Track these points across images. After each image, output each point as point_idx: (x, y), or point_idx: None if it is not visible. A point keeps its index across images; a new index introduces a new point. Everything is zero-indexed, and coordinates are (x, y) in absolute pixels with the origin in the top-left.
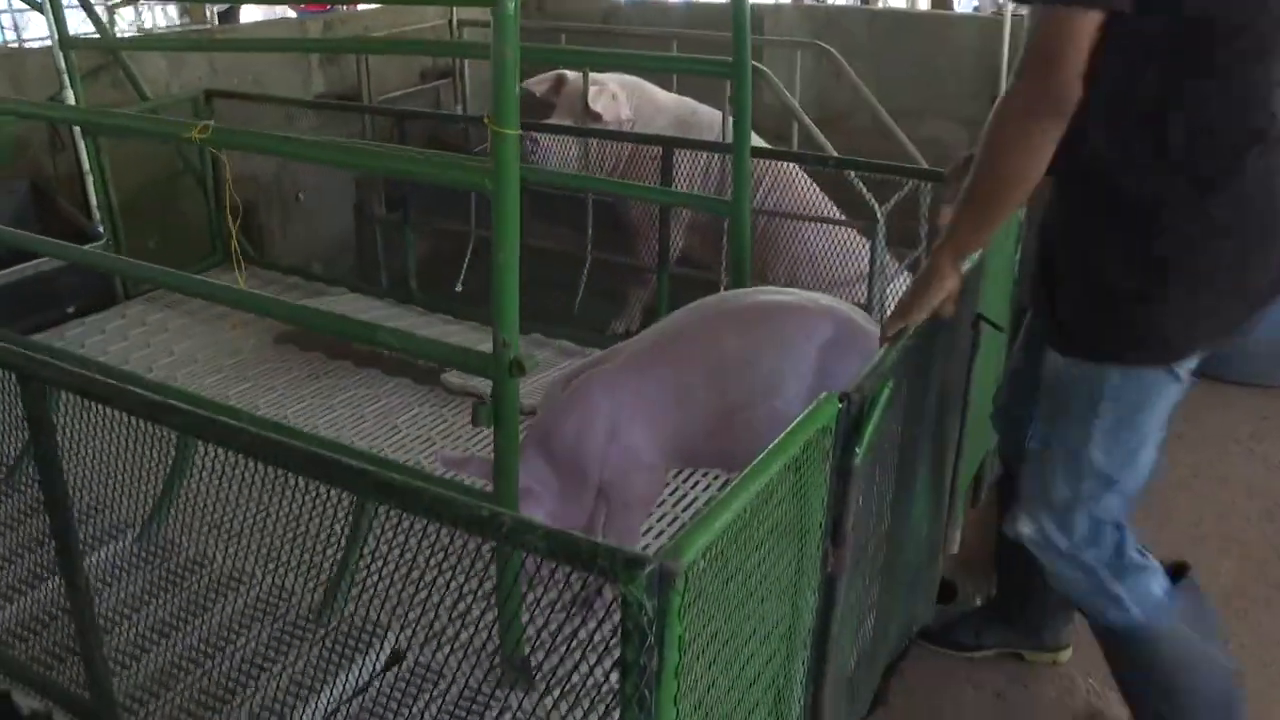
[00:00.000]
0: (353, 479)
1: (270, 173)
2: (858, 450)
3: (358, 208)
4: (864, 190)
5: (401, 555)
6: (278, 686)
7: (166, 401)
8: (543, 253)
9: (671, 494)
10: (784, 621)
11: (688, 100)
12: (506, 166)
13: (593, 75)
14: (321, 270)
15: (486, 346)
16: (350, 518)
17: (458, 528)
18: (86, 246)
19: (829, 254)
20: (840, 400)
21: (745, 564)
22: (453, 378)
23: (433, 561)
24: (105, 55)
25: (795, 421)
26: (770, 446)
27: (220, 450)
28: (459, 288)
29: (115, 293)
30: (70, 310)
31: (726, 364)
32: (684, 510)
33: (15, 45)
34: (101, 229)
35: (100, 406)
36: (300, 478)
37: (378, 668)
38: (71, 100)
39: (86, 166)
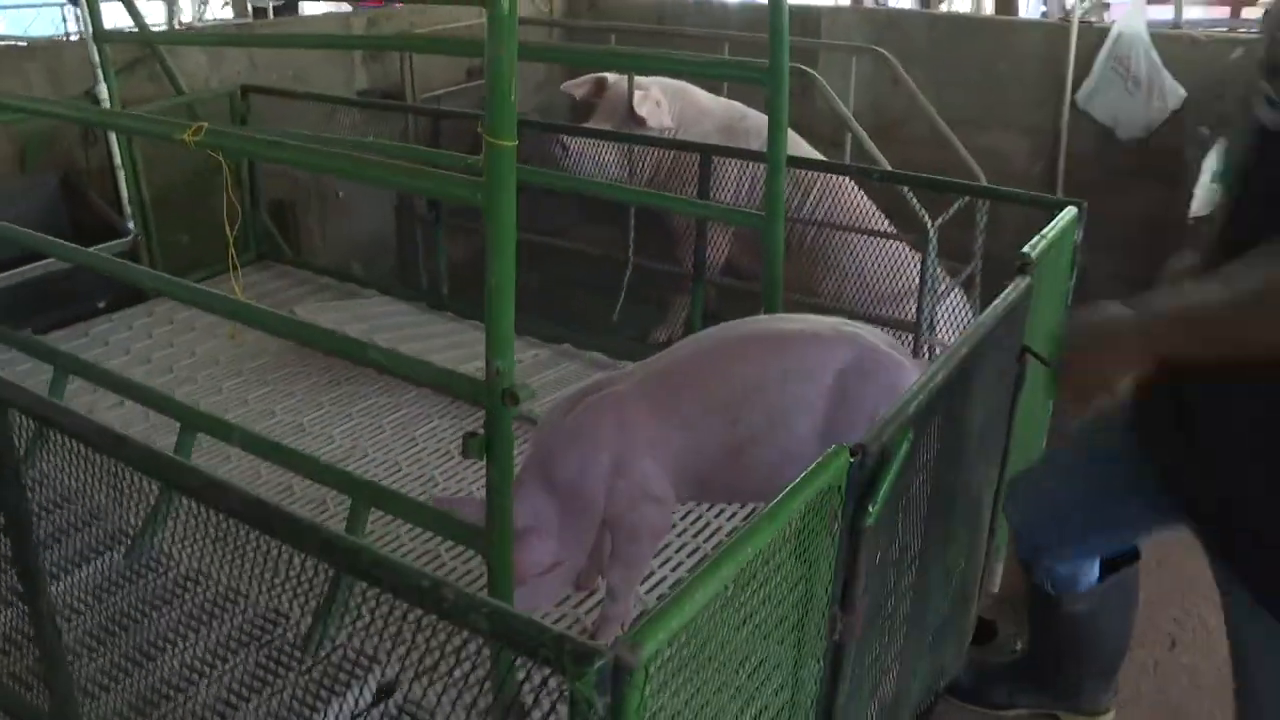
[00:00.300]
0: (297, 535)
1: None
2: (871, 509)
3: (399, 207)
4: (915, 203)
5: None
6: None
7: (125, 435)
8: (583, 256)
9: (694, 521)
10: (783, 693)
11: (736, 105)
12: (500, 181)
13: (637, 79)
14: (362, 270)
15: (520, 353)
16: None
17: (396, 596)
18: (114, 242)
19: (877, 268)
20: (852, 454)
21: (731, 640)
22: None
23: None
24: (143, 49)
25: (798, 479)
26: (766, 509)
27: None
28: None
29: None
30: (101, 305)
31: (734, 395)
32: (706, 540)
33: (76, 36)
34: (132, 224)
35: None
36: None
37: (364, 703)
38: (104, 94)
39: (118, 160)
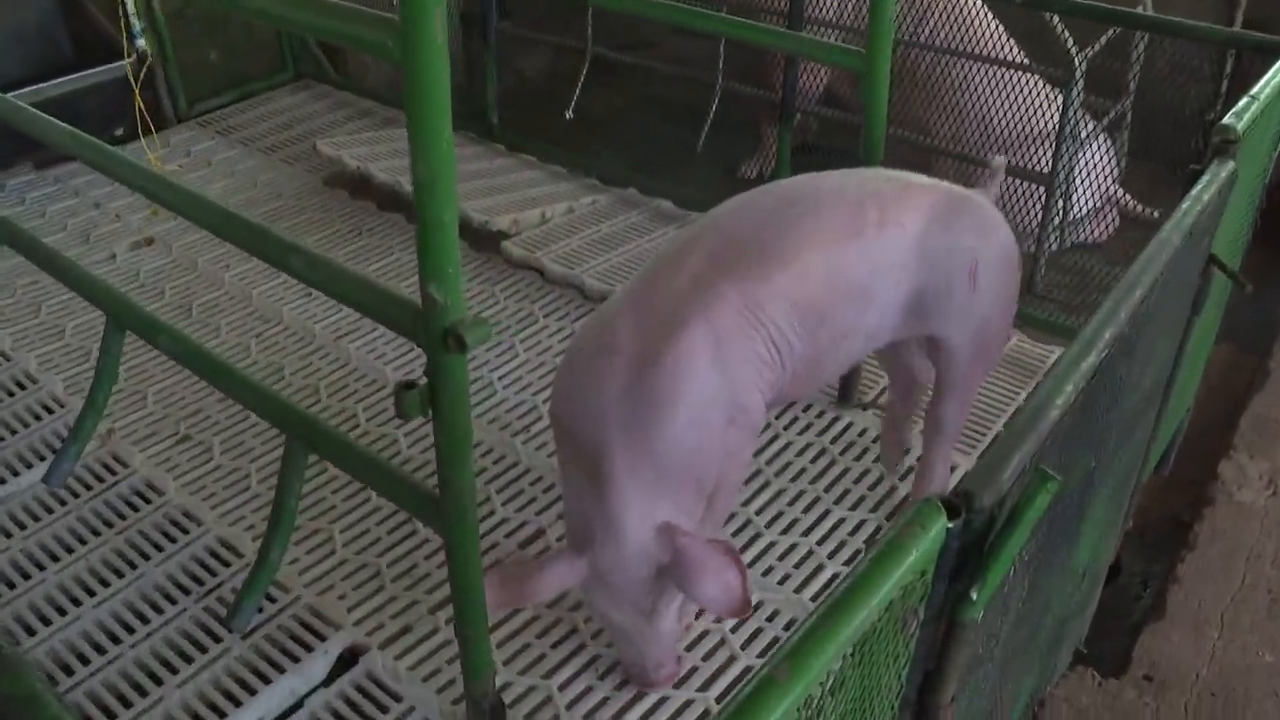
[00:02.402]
0: None
1: None
2: (975, 594)
3: (465, 16)
4: (1063, 32)
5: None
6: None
7: None
8: (662, 76)
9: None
10: None
11: None
12: (423, 22)
13: None
14: None
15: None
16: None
17: None
18: (117, 64)
19: (1005, 106)
20: (951, 514)
21: None
22: (514, 247)
23: None
24: None
25: (858, 571)
26: (818, 614)
27: None
28: (569, 114)
29: (165, 115)
30: (119, 133)
31: (818, 294)
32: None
33: None
34: (142, 41)
35: None
36: None
37: (321, 675)
38: None
39: None
